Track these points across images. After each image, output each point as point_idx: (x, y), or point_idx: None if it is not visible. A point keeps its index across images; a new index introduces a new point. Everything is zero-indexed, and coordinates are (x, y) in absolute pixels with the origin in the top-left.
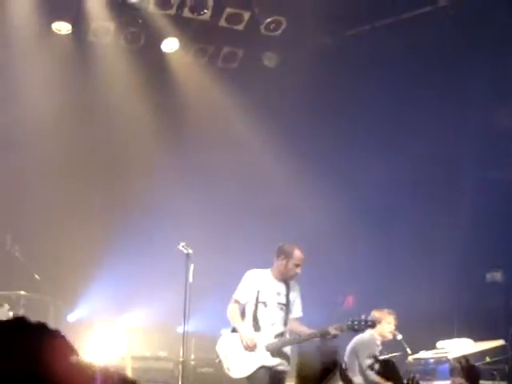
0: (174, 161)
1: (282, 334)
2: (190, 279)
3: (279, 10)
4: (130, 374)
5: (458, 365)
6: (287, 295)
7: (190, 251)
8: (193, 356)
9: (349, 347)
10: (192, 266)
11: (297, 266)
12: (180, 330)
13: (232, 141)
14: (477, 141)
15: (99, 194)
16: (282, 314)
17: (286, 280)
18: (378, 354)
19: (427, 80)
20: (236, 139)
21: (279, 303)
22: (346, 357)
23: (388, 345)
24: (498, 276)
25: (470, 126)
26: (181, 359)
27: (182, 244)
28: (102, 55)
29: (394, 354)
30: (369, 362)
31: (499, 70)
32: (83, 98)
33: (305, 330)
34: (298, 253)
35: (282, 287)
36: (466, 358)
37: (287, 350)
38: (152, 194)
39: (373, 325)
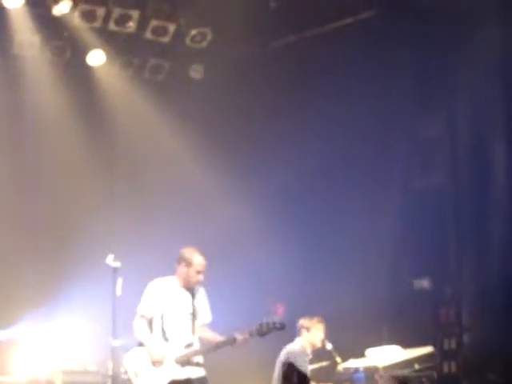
0: (103, 173)
1: (191, 344)
2: (119, 292)
3: (204, 21)
4: None
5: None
6: (193, 303)
7: (118, 264)
8: (123, 370)
9: (280, 359)
10: (120, 280)
11: (198, 272)
12: (109, 344)
13: (162, 153)
14: (402, 150)
15: (27, 204)
16: (189, 323)
17: (190, 287)
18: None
19: (352, 90)
20: (166, 151)
21: (187, 312)
22: (276, 371)
23: (317, 354)
24: (425, 283)
25: (397, 134)
26: (110, 373)
27: (111, 257)
28: (27, 68)
29: (323, 363)
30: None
31: (423, 79)
32: (8, 111)
33: (214, 337)
34: (198, 259)
35: (187, 295)
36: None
37: (198, 359)
38: (80, 207)
39: (281, 327)
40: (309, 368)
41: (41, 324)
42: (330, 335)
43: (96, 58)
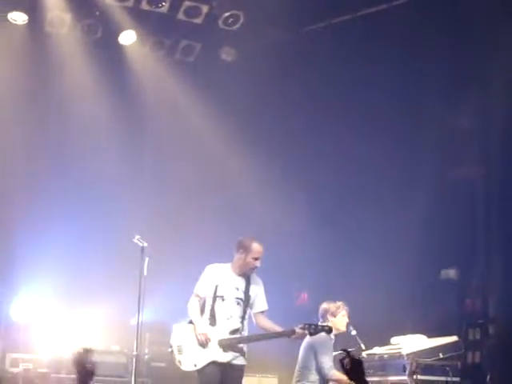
0: (132, 153)
1: (237, 330)
2: (145, 272)
3: (237, 4)
4: None
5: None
6: (247, 290)
7: (145, 244)
8: (146, 350)
9: (305, 345)
10: (147, 260)
11: (255, 259)
12: (134, 323)
13: (190, 134)
14: (436, 140)
15: (54, 182)
16: (239, 308)
17: (246, 274)
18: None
19: (383, 78)
20: (194, 133)
21: (237, 298)
22: (301, 354)
23: (341, 340)
24: (452, 273)
25: (430, 124)
26: (134, 353)
27: (137, 237)
28: (58, 46)
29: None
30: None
31: (456, 68)
32: (39, 88)
33: (270, 325)
34: (256, 246)
35: (241, 282)
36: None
37: (242, 346)
38: (109, 185)
39: (329, 331)
40: (333, 354)
41: (65, 303)
42: (355, 322)
43: (127, 37)
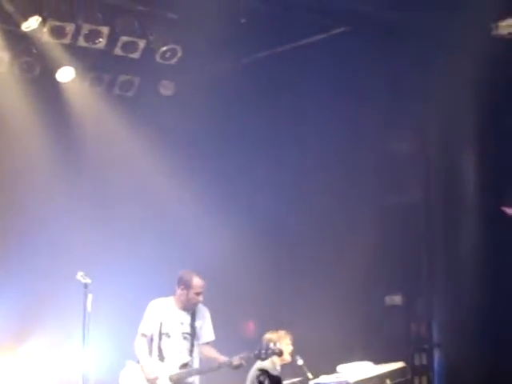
0: (72, 189)
1: (186, 364)
2: (89, 309)
3: (174, 38)
4: None
5: None
6: (192, 323)
7: (89, 281)
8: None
9: (250, 375)
10: (90, 296)
11: (197, 294)
12: (80, 363)
13: (130, 168)
14: (374, 165)
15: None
16: (186, 343)
17: (190, 308)
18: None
19: (323, 105)
20: (134, 166)
21: (183, 333)
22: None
23: (288, 370)
24: (397, 299)
25: (368, 149)
26: None
27: (81, 274)
28: None
29: (294, 380)
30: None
31: (394, 94)
32: None
33: (216, 356)
34: (196, 280)
35: (185, 316)
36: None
37: (193, 379)
38: (50, 221)
39: (279, 353)
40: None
41: (8, 343)
42: (301, 350)
43: (65, 74)
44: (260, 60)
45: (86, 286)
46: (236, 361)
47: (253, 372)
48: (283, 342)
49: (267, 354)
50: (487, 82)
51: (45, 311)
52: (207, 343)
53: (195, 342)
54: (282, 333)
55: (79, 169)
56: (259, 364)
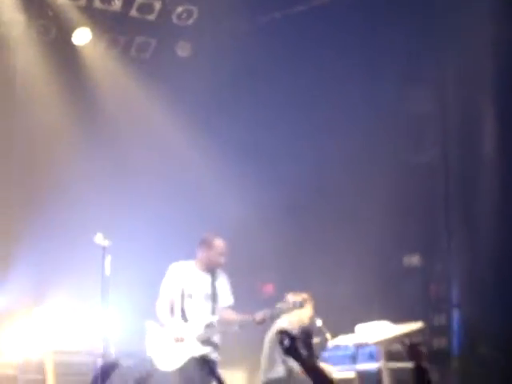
0: (90, 152)
1: (210, 324)
2: (107, 271)
3: None
4: (51, 368)
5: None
6: (213, 285)
7: (107, 243)
8: (114, 349)
9: (269, 337)
10: (109, 258)
11: (219, 254)
12: (100, 323)
13: (148, 131)
14: (393, 126)
15: (13, 185)
16: (209, 304)
17: (210, 270)
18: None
19: (340, 65)
20: (152, 129)
21: (206, 294)
22: (266, 347)
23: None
24: (415, 260)
25: (387, 111)
26: (100, 352)
27: (99, 236)
28: (13, 47)
29: (313, 340)
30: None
31: (411, 54)
32: None
33: (237, 317)
34: (218, 242)
35: (207, 278)
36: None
37: (216, 338)
38: (69, 185)
39: (301, 305)
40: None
41: (29, 303)
42: (319, 312)
43: (82, 36)
44: (276, 20)
45: (104, 248)
46: (259, 316)
47: (272, 333)
48: (305, 305)
49: (288, 308)
50: (507, 41)
51: (64, 273)
52: (226, 307)
53: (216, 305)
54: (304, 295)
55: (97, 131)
56: (277, 325)
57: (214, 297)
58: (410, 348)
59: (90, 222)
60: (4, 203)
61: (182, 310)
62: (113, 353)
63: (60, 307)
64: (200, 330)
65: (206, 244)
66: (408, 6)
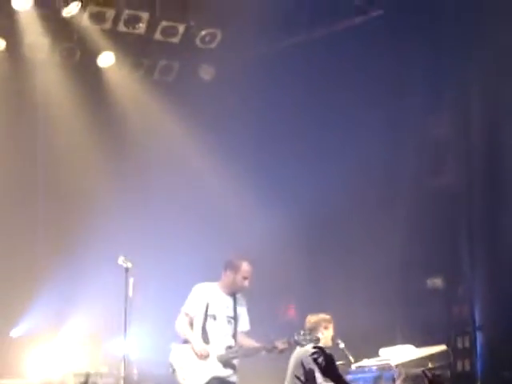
0: (113, 175)
1: (231, 347)
2: (130, 293)
3: (214, 22)
4: None
5: (422, 376)
6: (235, 308)
7: (130, 265)
8: (135, 371)
9: (293, 360)
10: (132, 280)
11: (245, 278)
12: (121, 345)
13: (171, 154)
14: (414, 149)
15: (39, 208)
16: (230, 327)
17: (233, 293)
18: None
19: (361, 89)
20: (175, 152)
21: (228, 316)
22: (289, 372)
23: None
24: (438, 282)
25: (408, 134)
26: (121, 374)
27: (122, 258)
28: (37, 71)
29: (336, 363)
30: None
31: (435, 79)
32: (20, 114)
33: (253, 343)
34: (245, 265)
35: (230, 300)
36: (429, 369)
37: (235, 361)
38: (91, 208)
39: (317, 340)
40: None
41: (52, 326)
42: (342, 335)
43: (106, 59)
44: (299, 43)
45: (127, 270)
46: (281, 345)
47: (300, 353)
48: (330, 326)
49: (306, 340)
50: None
51: (86, 296)
52: (243, 332)
53: (237, 328)
54: (326, 317)
55: (120, 153)
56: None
57: (235, 321)
58: (432, 378)
59: (113, 242)
60: (28, 226)
61: (204, 330)
62: (135, 374)
63: (82, 329)
64: (221, 351)
65: (233, 267)
66: (432, 28)
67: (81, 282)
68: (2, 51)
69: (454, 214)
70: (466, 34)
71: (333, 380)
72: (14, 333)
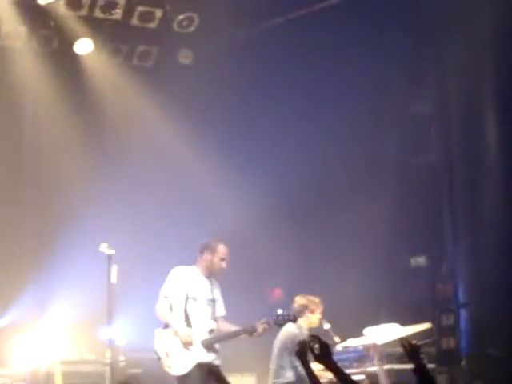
0: (94, 163)
1: (213, 330)
2: (113, 280)
3: (191, 6)
4: (59, 378)
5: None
6: (212, 291)
7: (113, 252)
8: (122, 357)
9: (277, 342)
10: (115, 267)
11: (222, 260)
12: (106, 332)
13: (150, 139)
14: (396, 128)
15: (22, 197)
16: (210, 309)
17: (210, 277)
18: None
19: (341, 70)
20: (155, 137)
21: (208, 299)
22: (274, 353)
23: (314, 334)
24: (421, 260)
25: (389, 113)
26: (108, 361)
27: (104, 245)
28: (14, 59)
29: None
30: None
31: (413, 55)
32: None
33: (231, 327)
34: (222, 247)
35: (208, 283)
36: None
37: (217, 345)
38: (72, 195)
39: (294, 319)
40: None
41: (37, 314)
42: (327, 315)
43: (83, 46)
44: (277, 26)
45: (109, 257)
46: (261, 326)
47: (283, 336)
48: (317, 310)
49: (284, 320)
50: (509, 40)
51: (70, 284)
52: (220, 317)
53: (215, 310)
54: (316, 300)
55: (100, 140)
56: (287, 328)
57: (213, 303)
58: (410, 349)
59: (95, 229)
60: (13, 216)
61: (186, 313)
62: (121, 361)
63: (67, 317)
64: (204, 335)
65: (210, 249)
66: (409, 7)
67: (64, 270)
68: None
69: (437, 192)
70: (443, 10)
71: (327, 367)
72: (0, 323)
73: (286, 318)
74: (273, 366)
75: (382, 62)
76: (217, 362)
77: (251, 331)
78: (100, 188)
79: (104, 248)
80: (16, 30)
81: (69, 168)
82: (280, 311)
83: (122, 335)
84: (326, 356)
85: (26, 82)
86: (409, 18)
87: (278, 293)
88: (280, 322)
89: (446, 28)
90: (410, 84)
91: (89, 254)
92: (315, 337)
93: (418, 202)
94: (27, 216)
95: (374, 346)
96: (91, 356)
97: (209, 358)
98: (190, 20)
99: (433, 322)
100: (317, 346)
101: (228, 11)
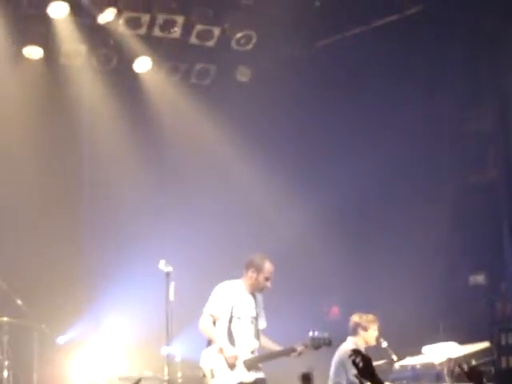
0: (151, 180)
1: (255, 350)
2: (171, 297)
3: (249, 24)
4: None
5: (458, 369)
6: (256, 308)
7: (170, 269)
8: (179, 374)
9: (334, 360)
10: (172, 284)
11: (267, 279)
12: (164, 348)
13: (209, 156)
14: (455, 146)
15: (83, 213)
16: (253, 327)
17: (253, 292)
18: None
19: (399, 87)
20: (213, 155)
21: (251, 317)
22: (332, 371)
23: (372, 352)
24: (480, 278)
25: (448, 130)
26: (166, 377)
27: (163, 262)
28: (75, 78)
29: (379, 362)
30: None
31: (471, 73)
32: (58, 122)
33: (272, 345)
34: (268, 265)
35: (252, 300)
36: (465, 361)
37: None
38: (131, 213)
39: (329, 343)
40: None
41: (96, 331)
42: (384, 333)
43: (142, 64)
44: (335, 43)
45: (167, 274)
46: (299, 348)
47: (340, 353)
48: (371, 327)
49: (320, 343)
50: None
51: (128, 300)
52: (261, 330)
53: (258, 327)
54: (370, 318)
55: (158, 158)
56: (344, 347)
57: (256, 320)
58: (470, 370)
59: (152, 250)
60: (73, 238)
61: (229, 332)
62: (179, 378)
63: (125, 334)
64: (247, 355)
65: (255, 266)
66: (471, 27)
67: (123, 287)
68: (40, 59)
69: (496, 210)
70: (501, 25)
71: (369, 381)
72: (61, 340)
73: (322, 341)
74: (330, 382)
75: (442, 78)
76: (260, 376)
77: (290, 352)
78: (157, 205)
79: (162, 265)
80: (76, 48)
81: (126, 185)
82: (315, 333)
83: (179, 352)
84: (368, 370)
85: (86, 100)
86: (469, 35)
87: (335, 311)
88: (316, 345)
89: (506, 44)
90: (468, 101)
91: (147, 271)
92: (358, 351)
93: (477, 220)
94: (86, 236)
95: (449, 360)
96: (149, 372)
97: (250, 378)
98: (248, 38)
99: (491, 341)
100: (359, 359)
101: (286, 29)
